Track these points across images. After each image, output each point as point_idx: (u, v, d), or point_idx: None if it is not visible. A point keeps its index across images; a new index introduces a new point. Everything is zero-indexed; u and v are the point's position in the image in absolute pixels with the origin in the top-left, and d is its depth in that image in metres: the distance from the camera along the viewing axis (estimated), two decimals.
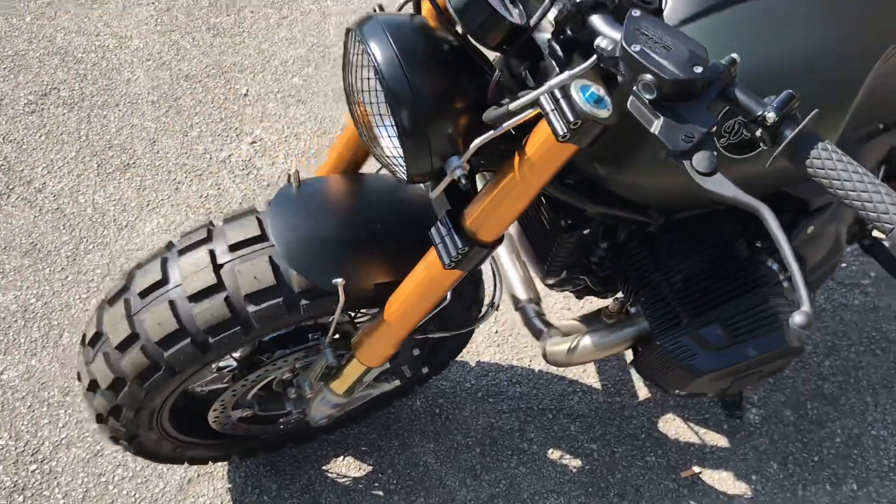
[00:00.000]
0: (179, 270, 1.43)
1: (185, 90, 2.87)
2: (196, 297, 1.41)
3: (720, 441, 2.04)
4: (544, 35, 1.17)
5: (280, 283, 1.41)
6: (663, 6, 1.24)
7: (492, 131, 1.17)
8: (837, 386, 2.14)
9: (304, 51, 3.04)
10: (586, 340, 1.65)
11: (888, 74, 1.39)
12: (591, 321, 1.87)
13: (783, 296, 1.57)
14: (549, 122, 1.11)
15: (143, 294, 1.44)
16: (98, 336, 1.49)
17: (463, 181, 1.19)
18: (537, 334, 1.82)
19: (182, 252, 1.46)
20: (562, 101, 1.09)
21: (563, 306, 2.30)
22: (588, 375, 2.16)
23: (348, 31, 1.23)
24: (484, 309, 1.62)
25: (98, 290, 2.30)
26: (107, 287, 1.57)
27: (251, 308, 1.41)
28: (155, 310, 1.42)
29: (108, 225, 2.47)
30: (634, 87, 1.02)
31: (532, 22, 1.14)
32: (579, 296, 1.91)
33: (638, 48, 0.98)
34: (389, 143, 1.22)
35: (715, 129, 1.00)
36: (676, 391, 1.62)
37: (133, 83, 2.88)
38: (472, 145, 1.19)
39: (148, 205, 2.53)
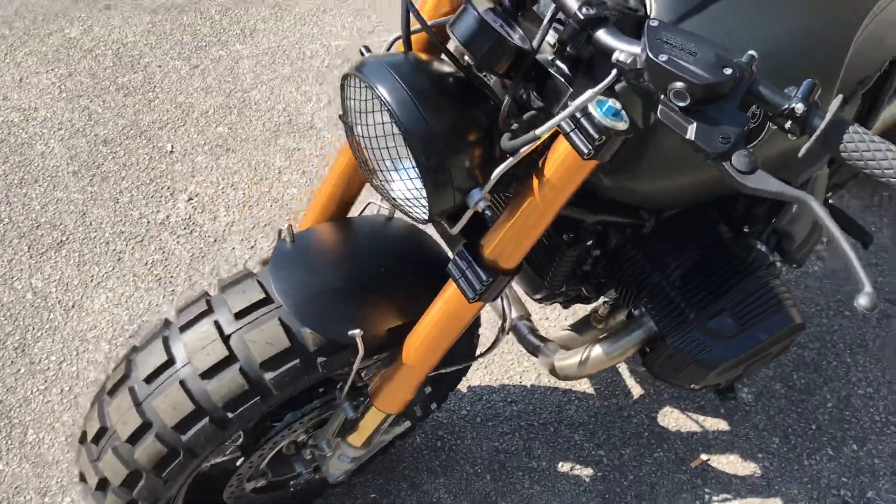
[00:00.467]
0: (185, 348, 1.36)
1: (105, 156, 2.74)
2: (209, 374, 1.33)
3: (720, 425, 2.07)
4: (545, 55, 1.16)
5: (294, 345, 1.35)
6: (649, 12, 1.25)
7: (510, 159, 1.16)
8: (817, 352, 2.21)
9: (222, 98, 2.95)
10: (597, 350, 1.65)
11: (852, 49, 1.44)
12: (584, 328, 1.87)
13: (778, 276, 1.60)
14: (572, 142, 1.11)
15: (150, 379, 1.36)
16: (103, 431, 1.39)
17: (488, 213, 1.17)
18: (534, 350, 1.81)
19: (184, 328, 1.38)
20: (582, 119, 1.09)
21: (539, 317, 2.30)
22: (580, 382, 2.16)
23: (346, 77, 1.19)
24: (496, 334, 1.60)
25: (56, 378, 2.16)
26: (106, 378, 1.47)
27: (268, 375, 1.34)
28: (166, 393, 1.34)
29: (53, 308, 2.33)
30: (663, 96, 1.02)
31: (535, 44, 1.13)
32: (566, 305, 1.91)
33: (665, 57, 0.98)
34: (404, 185, 1.19)
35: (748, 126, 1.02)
36: (692, 385, 1.63)
37: (49, 156, 2.73)
38: (493, 175, 1.17)
39: (92, 280, 2.40)
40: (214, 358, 1.34)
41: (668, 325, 1.55)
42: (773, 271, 1.60)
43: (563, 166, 1.15)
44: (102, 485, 1.42)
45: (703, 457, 2.01)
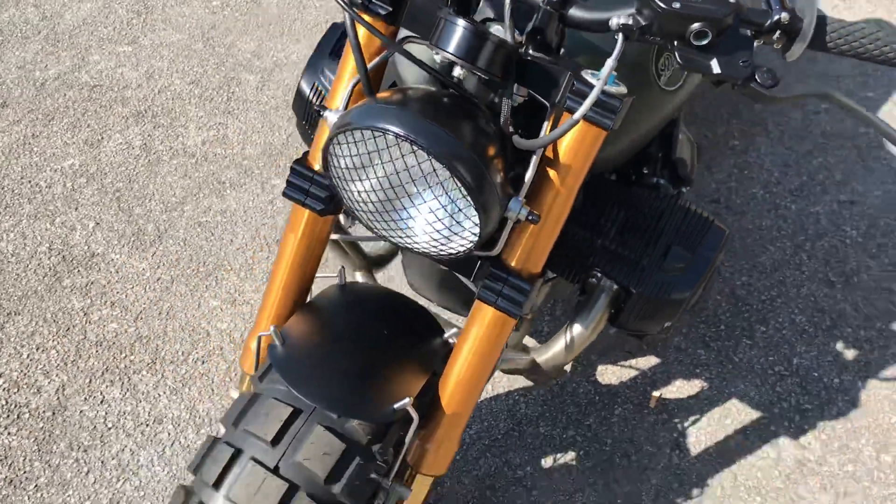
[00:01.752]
0: (234, 500, 1.15)
1: None
2: None
3: (651, 361, 2.16)
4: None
5: (349, 444, 1.20)
6: None
7: (535, 157, 1.12)
8: None
9: None
10: (576, 329, 1.63)
11: None
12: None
13: (688, 201, 1.71)
14: (594, 120, 1.09)
15: None
16: None
17: (532, 217, 1.11)
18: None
19: (218, 483, 1.17)
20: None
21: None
22: (510, 380, 2.14)
23: (337, 136, 1.07)
24: None
25: None
26: None
27: (336, 488, 1.18)
28: None
29: None
30: (677, 42, 1.04)
31: (514, 38, 1.10)
32: None
33: (678, 5, 1.00)
34: (437, 223, 1.09)
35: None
36: (666, 325, 1.68)
37: None
38: (527, 177, 1.12)
39: None
40: (276, 496, 1.15)
41: (629, 279, 1.59)
42: (682, 197, 1.70)
43: (577, 145, 1.14)
44: None
45: (656, 394, 2.10)
